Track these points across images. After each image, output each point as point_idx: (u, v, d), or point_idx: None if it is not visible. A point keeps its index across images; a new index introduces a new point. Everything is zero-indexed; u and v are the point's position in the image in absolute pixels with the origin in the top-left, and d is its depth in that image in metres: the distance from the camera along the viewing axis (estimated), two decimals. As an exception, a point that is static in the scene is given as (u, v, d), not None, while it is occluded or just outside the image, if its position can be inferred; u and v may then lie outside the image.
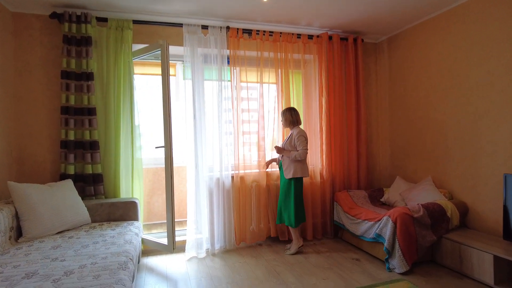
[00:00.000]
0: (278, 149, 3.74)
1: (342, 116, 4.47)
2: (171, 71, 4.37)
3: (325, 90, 4.34)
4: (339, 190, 4.42)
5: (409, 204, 3.71)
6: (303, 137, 3.61)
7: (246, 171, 4.08)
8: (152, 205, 4.47)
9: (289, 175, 3.63)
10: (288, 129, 3.86)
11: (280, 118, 3.89)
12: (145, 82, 4.47)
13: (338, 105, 4.42)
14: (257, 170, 4.12)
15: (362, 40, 4.62)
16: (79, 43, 3.47)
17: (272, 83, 4.31)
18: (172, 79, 4.36)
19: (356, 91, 4.56)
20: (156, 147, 3.62)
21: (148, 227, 4.38)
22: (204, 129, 3.86)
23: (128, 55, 3.63)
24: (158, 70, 4.24)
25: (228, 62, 3.99)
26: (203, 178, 3.83)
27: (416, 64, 4.19)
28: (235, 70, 4.01)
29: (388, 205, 4.10)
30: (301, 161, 3.65)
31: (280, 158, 3.83)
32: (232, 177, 3.97)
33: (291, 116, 3.75)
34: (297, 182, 3.66)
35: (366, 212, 3.66)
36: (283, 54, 4.22)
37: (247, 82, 4.10)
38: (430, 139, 4.00)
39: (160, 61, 3.60)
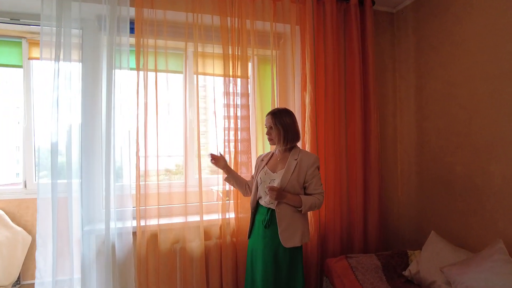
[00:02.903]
0: (278, 194, 1.95)
1: (338, 124, 2.70)
2: (32, 51, 2.63)
3: (310, 84, 2.59)
4: (333, 255, 2.61)
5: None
6: (318, 169, 2.09)
7: (163, 221, 2.30)
8: None
9: (295, 240, 2.01)
10: (284, 151, 2.13)
11: (268, 129, 2.13)
12: None
13: (332, 108, 2.65)
14: (181, 219, 2.32)
15: (373, 2, 2.86)
16: None
17: (219, 75, 2.55)
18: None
19: (363, 86, 2.78)
20: None
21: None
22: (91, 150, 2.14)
23: None
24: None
25: (132, 30, 2.28)
26: (75, 240, 2.07)
27: (470, 42, 2.41)
28: (143, 48, 2.31)
29: (417, 285, 2.29)
30: (304, 214, 2.10)
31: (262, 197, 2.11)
32: (134, 234, 2.20)
33: (294, 126, 2.08)
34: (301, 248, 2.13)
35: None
36: (238, 20, 2.50)
37: (167, 71, 2.38)
38: (501, 170, 2.20)
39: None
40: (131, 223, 2.17)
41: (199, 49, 2.43)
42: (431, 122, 2.71)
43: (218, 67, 2.51)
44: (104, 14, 2.19)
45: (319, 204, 2.04)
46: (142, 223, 2.19)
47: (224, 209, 2.39)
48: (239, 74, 2.50)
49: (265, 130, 2.12)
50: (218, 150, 2.30)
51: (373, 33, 2.81)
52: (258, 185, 2.09)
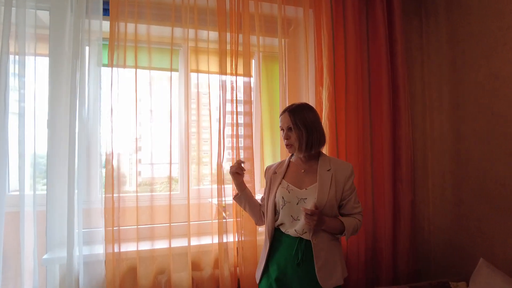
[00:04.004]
0: (319, 219, 1.44)
1: (362, 127, 2.22)
2: None
3: (328, 77, 2.13)
4: (356, 284, 2.12)
5: None
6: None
7: (143, 246, 1.80)
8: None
9: (336, 277, 1.53)
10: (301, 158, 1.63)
11: (285, 131, 1.60)
12: None
13: (354, 106, 2.18)
14: (164, 245, 1.83)
15: (401, -19, 2.40)
16: None
17: (214, 72, 2.07)
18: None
19: (391, 81, 2.30)
20: None
21: None
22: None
23: None
24: None
25: (106, 11, 1.85)
26: (26, 269, 1.59)
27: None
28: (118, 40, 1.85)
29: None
30: (340, 241, 1.66)
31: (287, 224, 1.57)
32: (105, 262, 1.72)
33: (319, 125, 1.59)
34: None
35: None
36: (238, 1, 2.06)
37: (150, 68, 1.93)
38: None
39: None
40: (103, 249, 1.69)
41: (190, 37, 1.98)
42: (470, 124, 2.23)
43: (214, 63, 2.06)
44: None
45: (360, 227, 1.59)
46: (116, 248, 1.70)
47: (221, 230, 1.91)
48: (240, 71, 2.04)
49: (273, 133, 1.66)
50: (240, 160, 1.68)
51: (401, 16, 2.34)
52: (279, 207, 1.58)
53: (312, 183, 1.53)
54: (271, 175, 1.68)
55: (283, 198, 1.55)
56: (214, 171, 2.00)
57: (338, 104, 2.13)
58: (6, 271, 1.57)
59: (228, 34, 2.01)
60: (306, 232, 1.50)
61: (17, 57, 1.73)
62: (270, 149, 2.12)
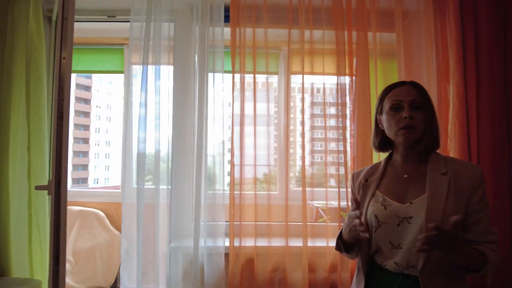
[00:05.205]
0: (448, 238, 0.95)
1: (498, 129, 1.91)
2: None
3: (457, 72, 1.91)
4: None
5: None
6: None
7: (259, 243, 1.86)
8: None
9: None
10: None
11: (406, 108, 1.13)
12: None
13: (488, 105, 1.90)
14: (281, 243, 1.84)
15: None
16: None
17: (330, 73, 2.01)
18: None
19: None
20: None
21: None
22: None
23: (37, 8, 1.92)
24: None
25: (227, 19, 1.96)
26: (161, 255, 1.80)
27: None
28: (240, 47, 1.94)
29: None
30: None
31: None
32: (226, 255, 1.84)
33: (437, 123, 1.20)
34: None
35: None
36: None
37: (267, 72, 1.99)
38: None
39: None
40: (223, 242, 1.81)
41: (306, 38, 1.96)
42: None
43: (329, 64, 2.02)
44: (196, 3, 1.93)
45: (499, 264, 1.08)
46: (236, 242, 1.80)
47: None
48: (352, 70, 1.97)
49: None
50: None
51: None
52: (371, 228, 1.15)
53: (421, 193, 1.09)
54: (361, 184, 1.24)
55: (376, 217, 1.12)
56: (322, 172, 1.99)
57: (469, 102, 1.89)
58: (145, 251, 1.78)
59: (346, 33, 1.95)
60: (413, 267, 1.05)
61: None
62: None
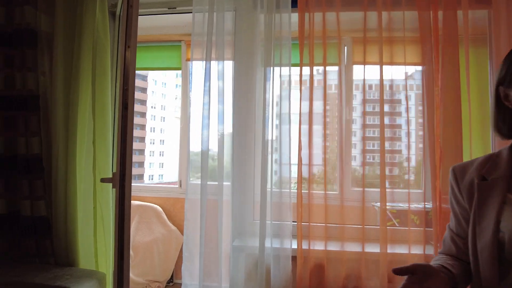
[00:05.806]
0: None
1: None
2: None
3: None
4: None
5: None
6: None
7: (331, 246, 1.69)
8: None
9: None
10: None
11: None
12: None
13: None
14: (354, 248, 1.67)
15: None
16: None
17: (412, 63, 1.79)
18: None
19: None
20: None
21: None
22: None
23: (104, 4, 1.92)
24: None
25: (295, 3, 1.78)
26: (224, 254, 1.72)
27: None
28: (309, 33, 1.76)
29: None
30: None
31: None
32: (294, 258, 1.70)
33: None
34: None
35: None
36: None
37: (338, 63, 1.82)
38: None
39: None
40: (290, 244, 1.68)
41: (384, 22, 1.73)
42: None
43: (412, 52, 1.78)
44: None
45: None
46: (305, 245, 1.66)
47: (425, 239, 1.63)
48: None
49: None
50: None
51: None
52: (509, 248, 0.76)
53: None
54: (475, 184, 0.86)
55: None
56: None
57: None
58: (208, 248, 1.73)
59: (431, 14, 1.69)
60: None
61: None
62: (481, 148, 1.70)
